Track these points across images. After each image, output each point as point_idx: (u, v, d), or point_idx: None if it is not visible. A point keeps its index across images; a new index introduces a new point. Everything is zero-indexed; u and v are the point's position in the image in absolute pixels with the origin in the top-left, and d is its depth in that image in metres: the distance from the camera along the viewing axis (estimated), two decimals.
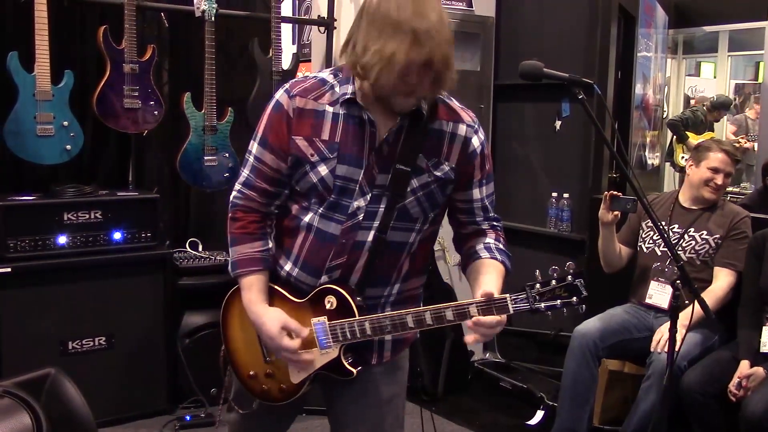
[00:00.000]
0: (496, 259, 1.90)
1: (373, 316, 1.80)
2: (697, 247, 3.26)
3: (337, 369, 1.88)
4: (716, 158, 3.28)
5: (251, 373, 1.99)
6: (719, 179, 3.26)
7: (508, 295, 1.68)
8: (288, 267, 1.90)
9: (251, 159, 1.87)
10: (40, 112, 3.28)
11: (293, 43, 5.06)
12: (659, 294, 3.27)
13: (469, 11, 4.31)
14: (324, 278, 1.84)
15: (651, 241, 3.37)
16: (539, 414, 3.73)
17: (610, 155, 4.12)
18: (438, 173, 1.81)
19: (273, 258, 1.92)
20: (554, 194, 4.27)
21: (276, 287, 1.91)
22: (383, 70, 1.62)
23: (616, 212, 3.26)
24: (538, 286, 1.69)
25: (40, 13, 3.22)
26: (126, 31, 3.45)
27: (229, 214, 1.92)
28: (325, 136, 1.77)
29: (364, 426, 1.98)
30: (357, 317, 1.80)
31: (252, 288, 1.88)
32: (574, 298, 1.69)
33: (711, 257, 3.24)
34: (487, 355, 4.60)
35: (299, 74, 4.45)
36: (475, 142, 1.86)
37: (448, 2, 4.23)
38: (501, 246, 1.94)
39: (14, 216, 3.23)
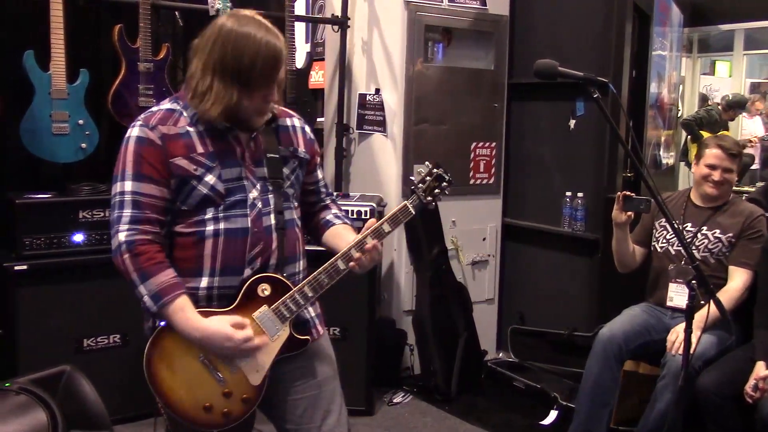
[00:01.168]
0: (347, 223, 2.20)
1: (309, 277, 1.96)
2: (710, 246, 3.24)
3: (292, 345, 1.98)
4: (711, 154, 3.27)
5: (207, 405, 1.93)
6: (716, 175, 3.25)
7: (405, 202, 2.05)
8: (205, 283, 1.92)
9: (128, 197, 1.87)
10: (55, 111, 3.30)
11: (307, 42, 5.07)
12: (679, 296, 3.24)
13: (483, 10, 4.30)
14: (247, 271, 1.93)
15: (664, 241, 3.35)
16: (553, 414, 3.72)
17: (625, 154, 4.10)
18: (300, 155, 2.08)
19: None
20: (568, 193, 4.26)
21: (201, 309, 1.90)
22: (246, 103, 1.88)
23: (629, 213, 3.24)
24: (420, 185, 2.07)
25: (56, 12, 3.24)
26: (141, 30, 3.47)
27: (125, 255, 1.86)
28: (201, 149, 1.89)
29: (327, 398, 2.07)
30: (294, 287, 1.95)
31: (185, 308, 1.87)
32: (444, 183, 2.09)
33: (725, 255, 3.23)
34: (501, 354, 4.59)
35: (312, 73, 4.47)
36: (308, 130, 2.16)
37: (462, 1, 4.22)
38: (344, 214, 2.27)
39: (30, 214, 3.25)
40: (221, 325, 1.87)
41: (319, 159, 2.20)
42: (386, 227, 2.00)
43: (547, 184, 4.44)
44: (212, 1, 3.57)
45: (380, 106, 4.16)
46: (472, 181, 4.40)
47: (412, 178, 2.10)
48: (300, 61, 3.93)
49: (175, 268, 1.91)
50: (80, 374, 2.67)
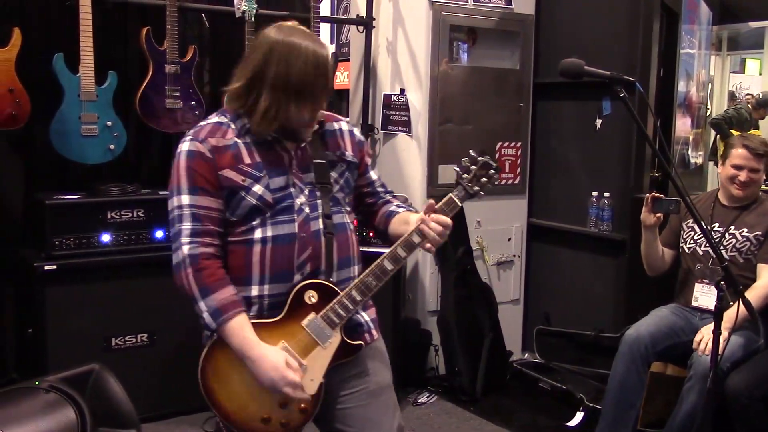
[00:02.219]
0: (411, 210, 2.15)
1: (356, 281, 1.93)
2: (738, 245, 3.21)
3: (345, 352, 1.96)
4: (737, 154, 3.22)
5: (264, 417, 1.93)
6: (743, 176, 3.20)
7: (450, 194, 1.98)
8: (255, 291, 1.92)
9: (186, 211, 1.88)
10: (84, 113, 3.34)
11: (332, 43, 5.08)
12: (705, 296, 3.21)
13: (508, 9, 4.28)
14: (297, 277, 1.92)
15: (692, 241, 3.32)
16: (579, 415, 3.69)
17: (652, 154, 4.06)
18: (348, 158, 2.06)
19: None
20: (595, 193, 4.22)
21: (252, 321, 1.90)
22: (295, 116, 1.87)
23: (658, 214, 3.21)
24: (465, 176, 1.99)
25: (85, 15, 3.28)
26: (168, 33, 3.50)
27: (189, 269, 1.88)
28: (248, 160, 1.91)
29: (380, 409, 2.03)
30: (342, 292, 1.93)
31: (245, 327, 1.87)
32: (491, 171, 2.02)
33: (753, 254, 3.19)
34: (526, 355, 4.57)
35: (337, 74, 4.48)
36: (357, 133, 2.14)
37: (487, 1, 4.21)
38: (406, 205, 2.24)
39: (59, 214, 3.29)
40: (276, 355, 1.86)
41: (370, 160, 2.19)
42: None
43: (573, 184, 4.41)
44: (238, 2, 3.59)
45: (405, 107, 4.16)
46: (497, 182, 4.37)
47: (457, 168, 2.01)
48: None
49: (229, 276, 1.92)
50: (108, 373, 2.70)
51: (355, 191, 2.12)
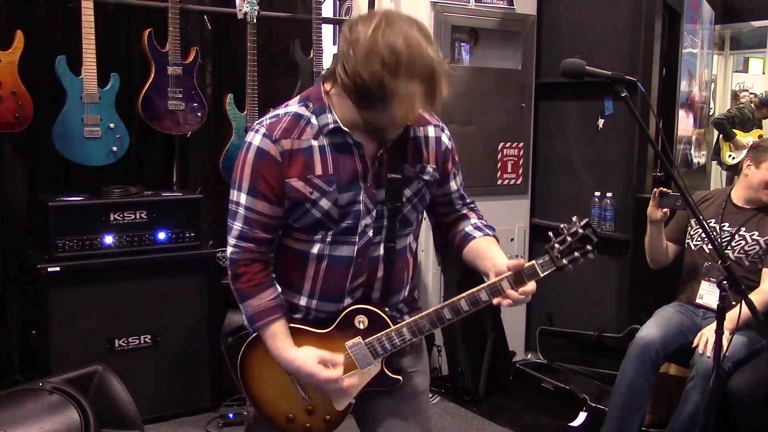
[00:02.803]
0: (489, 235, 1.98)
1: (409, 320, 1.84)
2: (746, 248, 3.19)
3: (382, 381, 1.91)
4: None
5: (290, 416, 1.94)
6: None
7: (534, 261, 1.77)
8: (303, 302, 1.89)
9: (241, 210, 1.80)
10: (87, 115, 3.35)
11: (334, 44, 5.07)
12: (710, 294, 3.19)
13: (510, 9, 4.28)
14: (347, 301, 1.86)
15: (699, 239, 3.30)
16: (582, 416, 3.69)
17: (655, 154, 4.05)
18: (426, 177, 1.88)
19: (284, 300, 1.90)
20: (597, 193, 4.22)
21: (296, 326, 1.88)
22: (389, 114, 1.65)
23: (665, 209, 3.20)
24: (557, 245, 1.77)
25: (87, 18, 3.28)
26: (170, 34, 3.50)
27: (230, 272, 1.86)
28: (319, 171, 1.76)
29: (414, 416, 2.00)
30: (393, 326, 1.85)
31: (277, 336, 1.84)
32: (588, 246, 1.78)
33: (760, 259, 3.17)
34: (529, 355, 4.57)
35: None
36: (445, 139, 1.93)
37: (489, 1, 4.21)
38: (485, 222, 2.03)
39: (62, 216, 3.30)
40: (309, 361, 1.81)
41: (454, 169, 1.97)
42: (505, 284, 1.78)
43: (576, 184, 4.41)
44: (240, 4, 3.59)
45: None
46: (499, 182, 4.38)
47: (551, 234, 1.80)
48: (327, 63, 3.94)
49: (278, 278, 1.89)
50: (112, 374, 2.71)
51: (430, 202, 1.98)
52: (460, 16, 4.15)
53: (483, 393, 3.97)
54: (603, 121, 4.25)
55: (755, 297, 3.00)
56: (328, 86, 1.78)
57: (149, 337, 3.50)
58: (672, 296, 3.43)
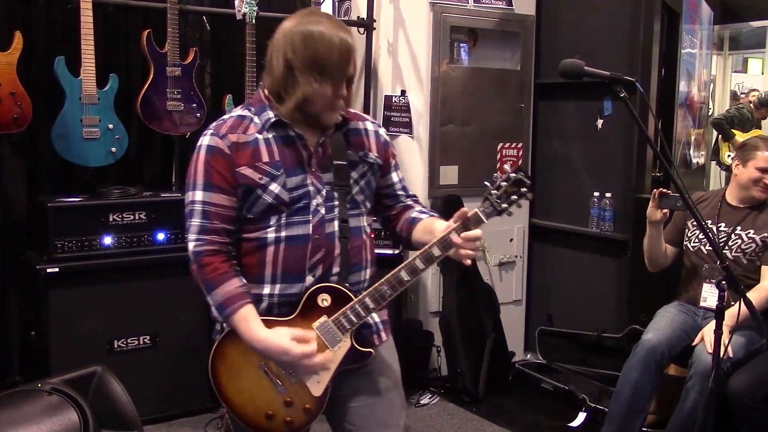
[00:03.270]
0: (434, 216, 2.09)
1: (370, 289, 1.91)
2: (743, 246, 3.20)
3: (354, 358, 1.95)
4: (764, 157, 3.20)
5: (269, 413, 1.94)
6: None
7: (476, 209, 1.90)
8: (267, 290, 1.93)
9: (198, 206, 1.89)
10: (86, 116, 3.35)
11: None
12: (712, 296, 3.18)
13: (509, 10, 4.29)
14: (309, 278, 1.92)
15: (697, 240, 3.31)
16: (581, 416, 3.69)
17: (654, 154, 4.06)
18: (370, 160, 2.02)
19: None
20: (596, 194, 4.22)
21: (262, 318, 1.90)
22: (316, 103, 1.86)
23: (664, 210, 3.20)
24: (494, 191, 1.91)
25: (86, 18, 3.28)
26: (169, 35, 3.50)
27: (193, 265, 1.90)
28: (266, 158, 1.90)
29: (385, 408, 2.04)
30: (355, 298, 1.91)
31: (249, 318, 1.87)
32: (523, 189, 1.94)
33: (758, 256, 3.18)
34: (529, 356, 4.57)
35: None
36: (383, 133, 2.10)
37: (488, 1, 4.21)
38: (428, 209, 2.16)
39: (61, 217, 3.30)
40: (280, 338, 1.85)
41: (394, 161, 2.13)
42: (454, 237, 1.87)
43: (575, 184, 4.41)
44: (239, 4, 3.59)
45: (406, 108, 4.16)
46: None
47: (487, 183, 1.93)
48: None
49: (242, 275, 1.93)
50: (111, 375, 2.71)
51: (375, 192, 2.09)
52: (459, 17, 4.15)
53: (482, 393, 3.97)
54: (602, 121, 4.25)
55: (754, 295, 3.00)
56: (266, 90, 1.94)
57: (148, 337, 3.50)
58: (671, 297, 3.43)
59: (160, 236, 3.50)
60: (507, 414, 3.83)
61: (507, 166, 1.97)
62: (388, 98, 4.26)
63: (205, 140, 1.91)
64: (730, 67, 8.84)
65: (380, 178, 2.08)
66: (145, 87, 3.52)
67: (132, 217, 3.44)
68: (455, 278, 4.01)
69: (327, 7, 4.56)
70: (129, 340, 3.45)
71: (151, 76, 3.52)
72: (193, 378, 3.59)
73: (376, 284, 1.91)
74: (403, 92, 4.18)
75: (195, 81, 3.65)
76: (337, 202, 1.95)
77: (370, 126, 2.07)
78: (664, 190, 3.18)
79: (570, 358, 4.27)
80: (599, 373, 3.98)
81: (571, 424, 3.68)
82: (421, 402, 3.94)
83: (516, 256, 4.50)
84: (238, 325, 1.88)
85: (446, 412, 3.86)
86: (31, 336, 3.33)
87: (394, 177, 2.13)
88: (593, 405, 3.67)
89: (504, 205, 1.92)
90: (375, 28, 4.22)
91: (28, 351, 3.53)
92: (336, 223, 1.94)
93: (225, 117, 1.96)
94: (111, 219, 3.40)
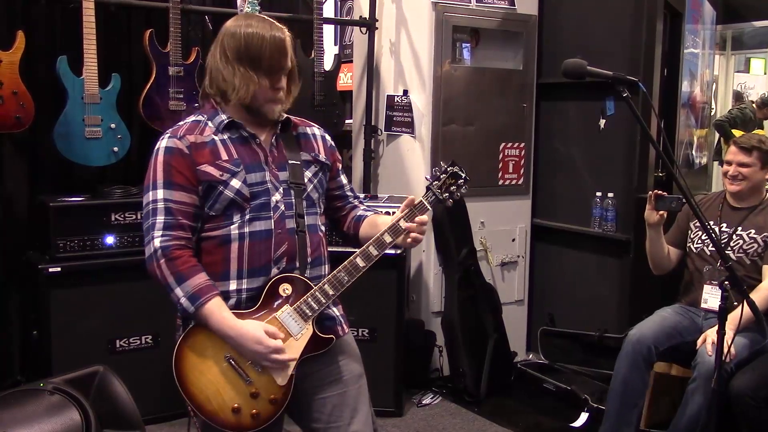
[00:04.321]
0: (378, 213, 2.25)
1: (329, 276, 2.00)
2: (745, 246, 3.20)
3: (317, 344, 2.01)
4: (727, 151, 3.32)
5: (235, 406, 1.95)
6: (731, 170, 3.26)
7: (421, 198, 2.07)
8: (234, 286, 1.97)
9: (160, 204, 1.93)
10: (88, 115, 3.35)
11: (335, 44, 5.08)
12: (713, 298, 3.19)
13: (511, 10, 4.28)
14: (274, 270, 1.98)
15: (700, 241, 3.31)
16: (584, 416, 3.69)
17: (656, 154, 4.05)
18: (321, 160, 2.13)
19: None
20: (598, 194, 4.22)
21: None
22: (256, 96, 1.97)
23: (661, 212, 3.21)
24: (435, 183, 2.11)
25: (88, 18, 3.29)
26: (171, 35, 3.50)
27: (161, 260, 1.91)
28: (225, 156, 1.97)
29: (355, 396, 2.08)
30: (315, 286, 1.99)
31: (221, 308, 1.91)
32: (460, 181, 2.14)
33: (760, 256, 3.18)
34: (531, 356, 4.56)
35: (340, 75, 4.48)
36: (329, 138, 2.22)
37: (490, 1, 4.20)
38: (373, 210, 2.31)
39: (63, 217, 3.30)
40: (255, 328, 1.91)
41: (340, 165, 2.26)
42: (402, 223, 2.02)
43: (577, 184, 4.41)
44: (241, 4, 3.59)
45: (408, 108, 4.16)
46: (500, 182, 4.38)
47: (427, 176, 2.13)
48: (328, 64, 3.95)
49: (205, 272, 1.96)
50: (113, 374, 2.70)
51: (325, 193, 2.18)
52: (461, 17, 4.14)
53: (484, 394, 3.96)
54: (604, 121, 4.24)
55: (756, 295, 3.00)
56: (213, 99, 2.04)
57: (150, 337, 3.50)
58: (673, 296, 3.43)
59: None
60: (509, 414, 3.83)
61: (442, 162, 2.15)
62: (390, 98, 4.26)
63: (163, 143, 1.97)
64: (733, 67, 8.82)
65: (330, 180, 2.19)
66: (147, 86, 3.52)
67: (134, 216, 3.44)
68: (457, 278, 4.01)
69: (329, 7, 4.57)
70: (131, 340, 3.45)
71: (154, 75, 3.53)
72: None
73: (334, 272, 2.00)
74: (406, 92, 4.18)
75: (197, 81, 3.65)
76: (293, 200, 2.02)
77: (317, 131, 2.19)
78: (660, 192, 3.19)
79: (572, 359, 4.26)
80: (601, 373, 3.97)
81: (573, 425, 3.68)
82: (423, 402, 3.94)
83: (518, 256, 4.50)
84: (210, 315, 1.90)
85: (448, 412, 3.86)
86: (33, 335, 3.33)
87: (343, 179, 2.25)
88: (595, 405, 3.66)
89: (445, 195, 2.12)
90: (377, 28, 4.22)
91: (29, 350, 3.53)
92: (293, 220, 2.02)
93: (180, 123, 2.03)
94: (113, 218, 3.40)
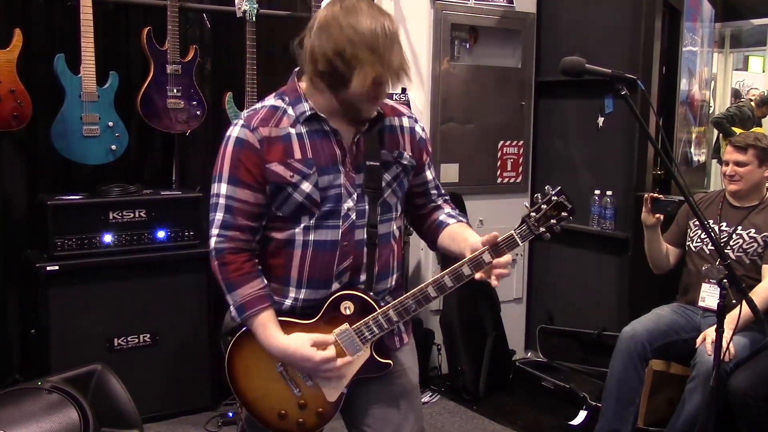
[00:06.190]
0: (462, 222, 2.03)
1: (395, 302, 1.86)
2: (744, 246, 3.20)
3: (372, 367, 1.91)
4: (725, 151, 3.32)
5: (282, 412, 1.92)
6: (728, 169, 3.26)
7: (513, 231, 1.82)
8: (292, 293, 1.89)
9: (222, 200, 1.84)
10: (86, 113, 3.34)
11: None
12: (711, 296, 3.20)
13: (509, 7, 4.28)
14: (335, 285, 1.87)
15: (699, 240, 3.31)
16: (582, 414, 3.69)
17: (655, 152, 4.05)
18: (404, 162, 1.93)
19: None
20: (597, 192, 4.22)
21: (283, 318, 1.88)
22: (356, 85, 1.73)
23: (658, 215, 3.22)
24: (533, 214, 1.83)
25: (86, 16, 3.28)
26: (169, 33, 3.50)
27: (215, 262, 1.85)
28: (298, 155, 1.82)
29: (402, 412, 2.00)
30: (379, 309, 1.86)
31: (267, 325, 1.84)
32: (564, 213, 1.85)
33: (759, 256, 3.17)
34: (529, 354, 4.56)
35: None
36: (419, 129, 1.99)
37: None
38: (458, 212, 2.09)
39: (61, 215, 3.29)
40: (301, 344, 1.82)
41: (429, 159, 2.04)
42: (486, 257, 1.82)
43: (576, 182, 4.40)
44: (239, 2, 3.59)
45: (407, 106, 4.15)
46: (499, 180, 4.38)
47: (526, 204, 1.87)
48: None
49: (265, 273, 1.89)
50: (111, 373, 2.70)
51: (406, 192, 2.02)
52: (459, 14, 4.14)
53: (483, 392, 3.96)
54: (603, 119, 4.24)
55: (755, 296, 2.99)
56: (301, 82, 1.87)
57: (148, 336, 3.49)
58: (672, 294, 3.43)
59: (161, 234, 3.49)
60: (507, 412, 3.83)
61: (548, 187, 1.86)
62: (388, 96, 4.25)
63: (235, 131, 1.83)
64: (731, 65, 8.81)
65: (414, 176, 2.00)
66: (145, 85, 3.52)
67: (132, 215, 3.43)
68: None
69: None
70: (129, 339, 3.45)
71: (151, 73, 3.52)
72: (194, 376, 3.59)
73: (402, 298, 1.86)
74: (404, 90, 4.17)
75: (195, 79, 3.64)
76: (367, 207, 1.88)
77: (406, 122, 1.97)
78: (656, 195, 3.20)
79: (571, 357, 4.26)
80: (600, 371, 3.97)
81: (571, 423, 3.68)
82: (422, 400, 3.93)
83: (517, 255, 4.50)
84: (256, 330, 1.85)
85: (447, 411, 3.86)
86: (31, 334, 3.33)
87: (428, 175, 2.05)
88: (594, 403, 3.66)
89: (542, 229, 1.84)
90: None
91: (28, 349, 3.53)
92: (365, 230, 1.88)
93: (257, 106, 1.88)
94: (111, 217, 3.39)
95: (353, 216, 1.86)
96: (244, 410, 1.99)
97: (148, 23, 3.57)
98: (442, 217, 2.04)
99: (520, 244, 1.84)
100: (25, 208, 3.57)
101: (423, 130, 2.01)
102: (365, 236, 1.87)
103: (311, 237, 1.84)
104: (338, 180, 1.84)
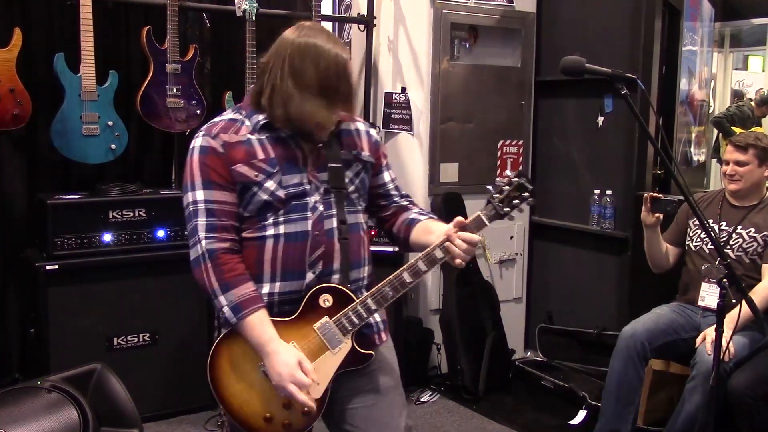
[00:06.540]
0: (434, 218, 2.10)
1: (373, 290, 1.90)
2: (744, 245, 3.20)
3: (355, 359, 1.94)
4: (725, 151, 3.31)
5: (267, 415, 1.92)
6: (728, 169, 3.26)
7: (479, 212, 1.92)
8: (266, 289, 1.90)
9: (201, 206, 1.87)
10: (85, 112, 3.34)
11: None
12: (711, 295, 3.20)
13: (509, 7, 4.28)
14: (309, 275, 1.90)
15: (699, 239, 3.31)
16: (581, 413, 3.69)
17: (654, 152, 4.05)
18: (364, 158, 2.02)
19: None
20: (597, 191, 4.22)
21: None
22: (309, 122, 1.84)
23: (657, 214, 3.22)
24: (496, 196, 1.93)
25: (86, 15, 3.28)
26: (168, 32, 3.50)
27: (208, 264, 1.86)
28: (261, 155, 1.88)
29: (385, 409, 2.02)
30: (357, 299, 1.90)
31: (264, 323, 1.85)
32: (525, 193, 1.94)
33: (759, 255, 3.17)
34: (529, 353, 4.56)
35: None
36: (374, 133, 2.09)
37: None
38: (427, 212, 2.16)
39: (61, 214, 3.29)
40: (293, 356, 1.84)
41: (385, 161, 2.13)
42: (456, 241, 1.89)
43: (576, 182, 4.41)
44: (239, 1, 3.58)
45: (406, 105, 4.15)
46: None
47: (490, 187, 1.95)
48: None
49: None
50: (110, 372, 2.70)
51: (368, 192, 2.09)
52: (459, 14, 4.14)
53: (482, 391, 3.96)
54: (603, 118, 4.24)
55: (755, 295, 2.99)
56: (257, 98, 1.91)
57: (148, 335, 3.49)
58: (672, 294, 3.43)
59: (160, 233, 3.49)
60: (507, 412, 3.83)
61: (508, 171, 1.98)
62: (388, 95, 4.25)
63: (197, 142, 1.91)
64: (731, 65, 8.82)
65: (373, 177, 2.08)
66: (145, 84, 3.51)
67: (132, 214, 3.43)
68: (455, 276, 4.00)
69: (327, 5, 4.55)
70: (129, 338, 3.44)
71: (151, 73, 3.52)
72: (193, 375, 3.58)
73: (379, 285, 1.90)
74: (404, 89, 4.17)
75: (195, 78, 3.64)
76: (333, 200, 1.94)
77: (361, 126, 2.07)
78: (656, 195, 3.21)
79: (570, 356, 4.27)
80: (599, 370, 3.97)
81: (571, 422, 3.68)
82: (421, 400, 3.94)
83: (516, 254, 4.50)
84: (251, 328, 1.85)
85: (446, 410, 3.86)
86: (31, 333, 3.33)
87: (387, 176, 2.13)
88: (593, 403, 3.66)
89: (506, 209, 1.93)
90: (375, 25, 4.21)
91: (27, 348, 3.53)
92: (334, 220, 1.93)
93: (216, 120, 1.95)
94: (111, 216, 3.39)
95: (321, 207, 1.92)
96: (228, 419, 1.98)
97: (148, 22, 3.57)
98: (413, 215, 2.10)
99: (488, 225, 1.93)
100: (24, 208, 3.57)
101: (377, 134, 2.12)
102: (335, 225, 1.93)
103: (281, 230, 1.89)
104: (303, 177, 1.91)
